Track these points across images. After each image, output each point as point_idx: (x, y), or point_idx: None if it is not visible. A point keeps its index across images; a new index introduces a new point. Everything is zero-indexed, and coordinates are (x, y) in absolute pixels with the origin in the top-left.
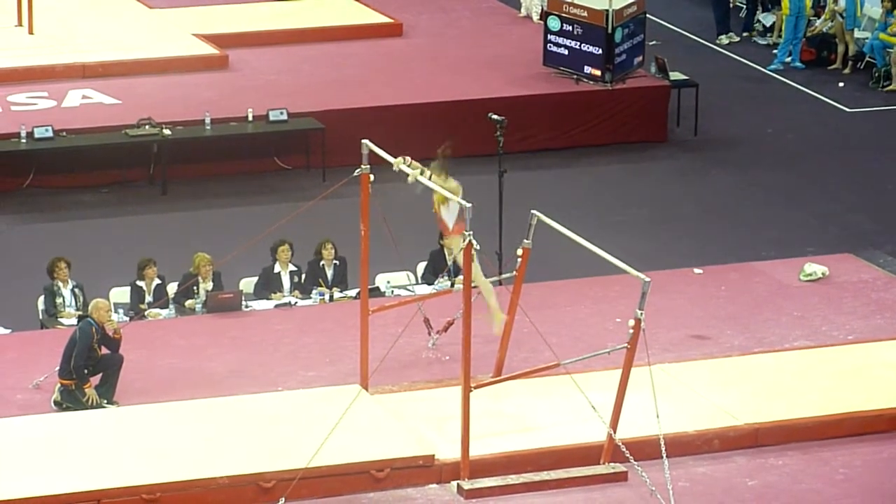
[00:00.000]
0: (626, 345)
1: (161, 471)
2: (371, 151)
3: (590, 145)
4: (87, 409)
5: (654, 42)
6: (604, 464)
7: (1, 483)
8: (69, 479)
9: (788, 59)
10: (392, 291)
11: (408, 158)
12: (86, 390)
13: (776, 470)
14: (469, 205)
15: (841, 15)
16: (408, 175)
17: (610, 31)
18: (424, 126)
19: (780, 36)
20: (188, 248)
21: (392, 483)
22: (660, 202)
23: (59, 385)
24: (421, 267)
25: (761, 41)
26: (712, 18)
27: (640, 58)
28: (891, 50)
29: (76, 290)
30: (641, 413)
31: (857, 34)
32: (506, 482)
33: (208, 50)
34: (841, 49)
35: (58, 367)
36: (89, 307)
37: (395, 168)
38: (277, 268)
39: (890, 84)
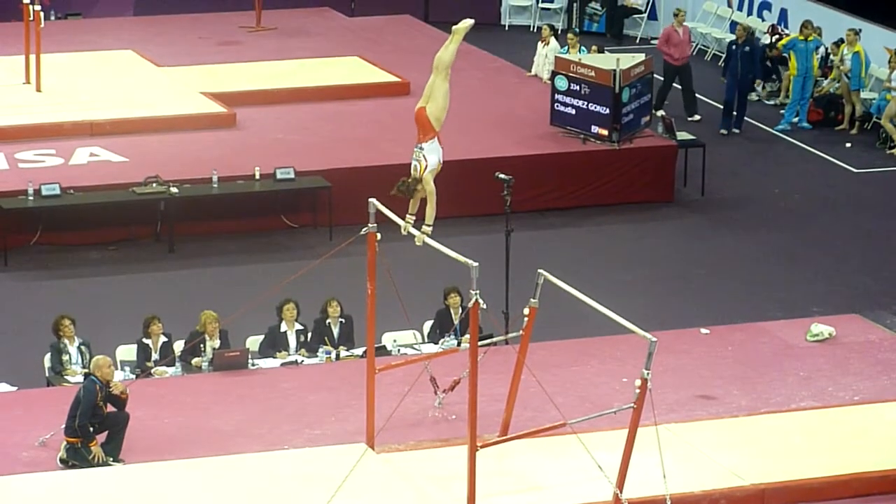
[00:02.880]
0: (632, 404)
1: None
2: (378, 210)
3: (597, 205)
4: (93, 466)
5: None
6: None
7: None
8: None
9: (796, 120)
10: (398, 350)
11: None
12: (92, 448)
13: None
14: (476, 264)
15: (847, 75)
16: (415, 237)
17: (617, 91)
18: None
19: (787, 96)
20: (195, 306)
21: None
22: (667, 262)
23: (64, 443)
24: (427, 326)
25: (768, 102)
26: (719, 79)
27: (648, 118)
28: None
29: (82, 347)
30: (648, 473)
31: (865, 94)
32: None
33: (216, 108)
34: (848, 109)
35: (63, 425)
36: (91, 365)
37: (403, 231)
38: (284, 327)
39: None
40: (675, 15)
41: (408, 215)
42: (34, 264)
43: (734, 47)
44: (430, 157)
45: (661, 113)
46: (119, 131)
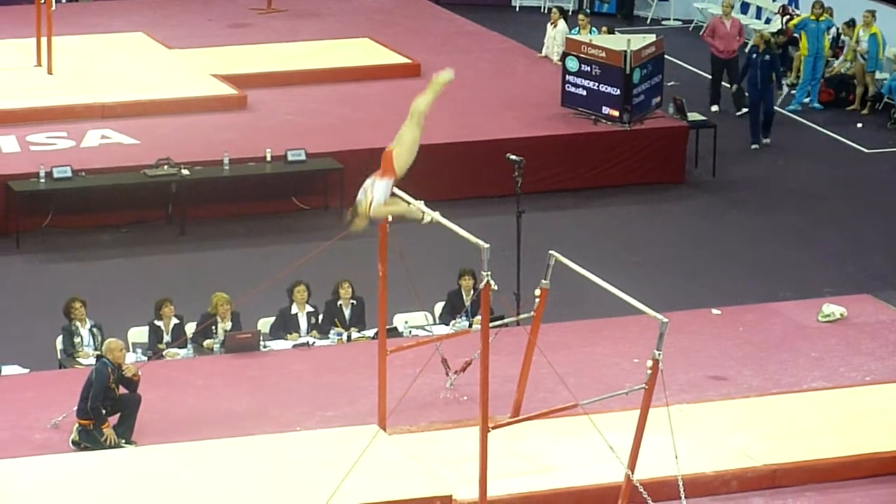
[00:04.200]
0: (643, 385)
1: None
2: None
3: (607, 186)
4: (105, 448)
5: (672, 83)
6: None
7: None
8: None
9: (807, 100)
10: (410, 332)
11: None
12: (104, 430)
13: None
14: (487, 245)
15: (863, 56)
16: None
17: (628, 71)
18: (442, 166)
19: (798, 77)
20: (206, 288)
21: None
22: (677, 243)
23: (77, 425)
24: (438, 307)
25: (785, 82)
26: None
27: (658, 98)
28: None
29: (94, 329)
30: (659, 454)
31: (878, 75)
32: None
33: (227, 90)
34: (859, 90)
35: (76, 407)
36: (103, 348)
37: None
38: (294, 309)
39: None
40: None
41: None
42: (46, 247)
43: (754, 56)
44: (377, 193)
45: (715, 108)
46: (130, 114)
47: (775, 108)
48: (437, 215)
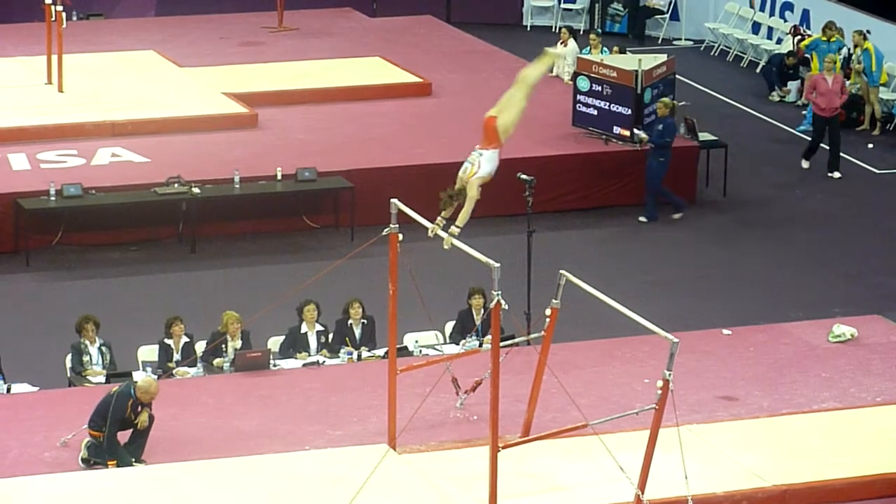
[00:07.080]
0: (654, 405)
1: None
2: (400, 211)
3: (619, 205)
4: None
5: (683, 103)
6: None
7: None
8: None
9: None
10: (420, 351)
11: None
12: (108, 465)
13: None
14: (497, 265)
15: (864, 74)
16: (443, 239)
17: (639, 91)
18: (453, 185)
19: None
20: (217, 307)
21: None
22: (688, 263)
23: (86, 441)
24: (449, 326)
25: (789, 99)
26: (740, 80)
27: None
28: None
29: (103, 347)
30: (670, 474)
31: (888, 95)
32: None
33: (237, 108)
34: (868, 109)
35: (88, 421)
36: (140, 385)
37: (430, 233)
38: (304, 328)
39: None
40: (825, 62)
41: (439, 217)
42: (56, 265)
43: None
44: (485, 165)
45: (806, 164)
46: (141, 132)
47: (789, 129)
48: (452, 239)
